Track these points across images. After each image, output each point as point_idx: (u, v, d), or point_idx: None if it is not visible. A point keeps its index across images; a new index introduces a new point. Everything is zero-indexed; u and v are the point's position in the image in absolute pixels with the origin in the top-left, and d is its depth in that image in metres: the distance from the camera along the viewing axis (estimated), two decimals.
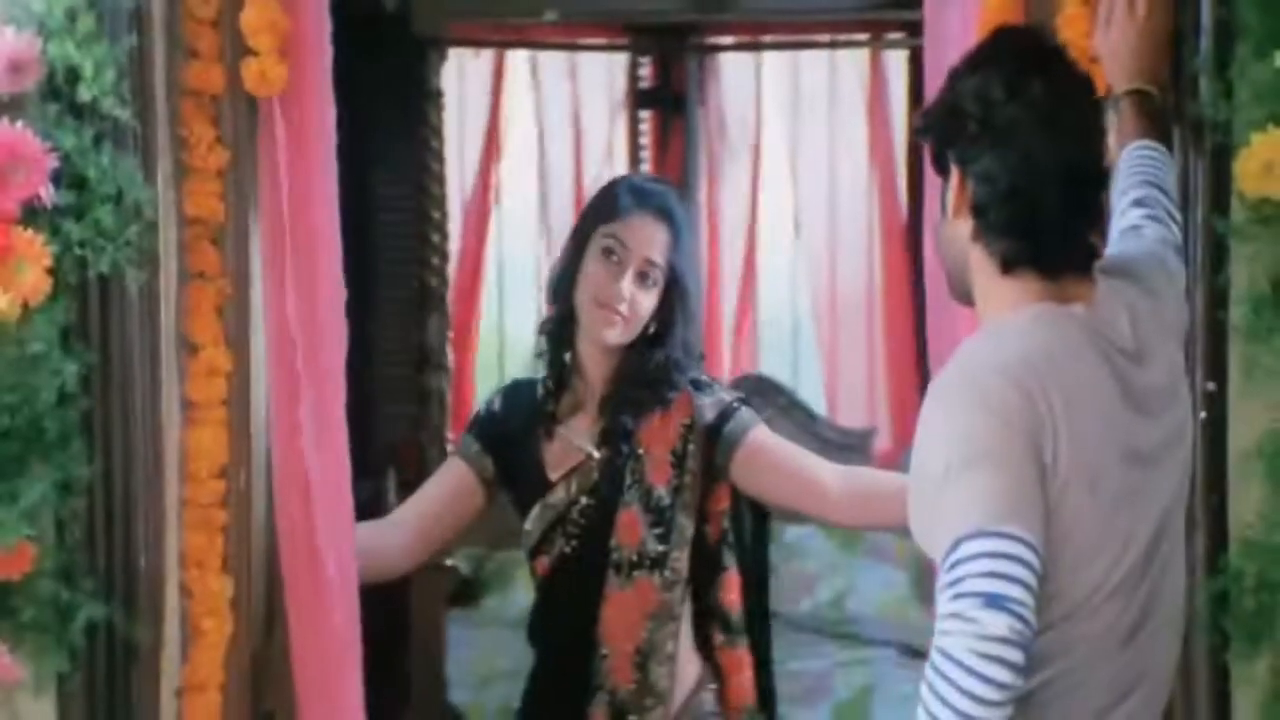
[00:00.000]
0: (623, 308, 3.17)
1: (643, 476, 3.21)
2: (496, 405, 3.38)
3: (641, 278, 3.19)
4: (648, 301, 3.20)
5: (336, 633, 3.09)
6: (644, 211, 3.21)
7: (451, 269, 6.34)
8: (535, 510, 3.25)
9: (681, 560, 3.21)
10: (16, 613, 2.86)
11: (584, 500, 3.23)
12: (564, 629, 3.26)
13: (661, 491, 3.20)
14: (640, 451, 3.21)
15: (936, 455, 2.17)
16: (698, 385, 3.27)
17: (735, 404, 3.25)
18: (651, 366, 3.22)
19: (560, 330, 3.28)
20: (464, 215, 6.78)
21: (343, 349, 3.13)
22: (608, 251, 3.20)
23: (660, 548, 3.19)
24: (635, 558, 3.20)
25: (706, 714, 3.27)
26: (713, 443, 3.22)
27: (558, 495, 3.24)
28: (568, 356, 3.28)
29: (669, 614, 3.21)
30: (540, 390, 3.31)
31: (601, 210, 3.26)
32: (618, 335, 3.20)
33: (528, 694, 3.39)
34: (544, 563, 3.26)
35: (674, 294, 3.22)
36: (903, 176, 6.84)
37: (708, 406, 3.24)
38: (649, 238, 3.20)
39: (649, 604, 3.20)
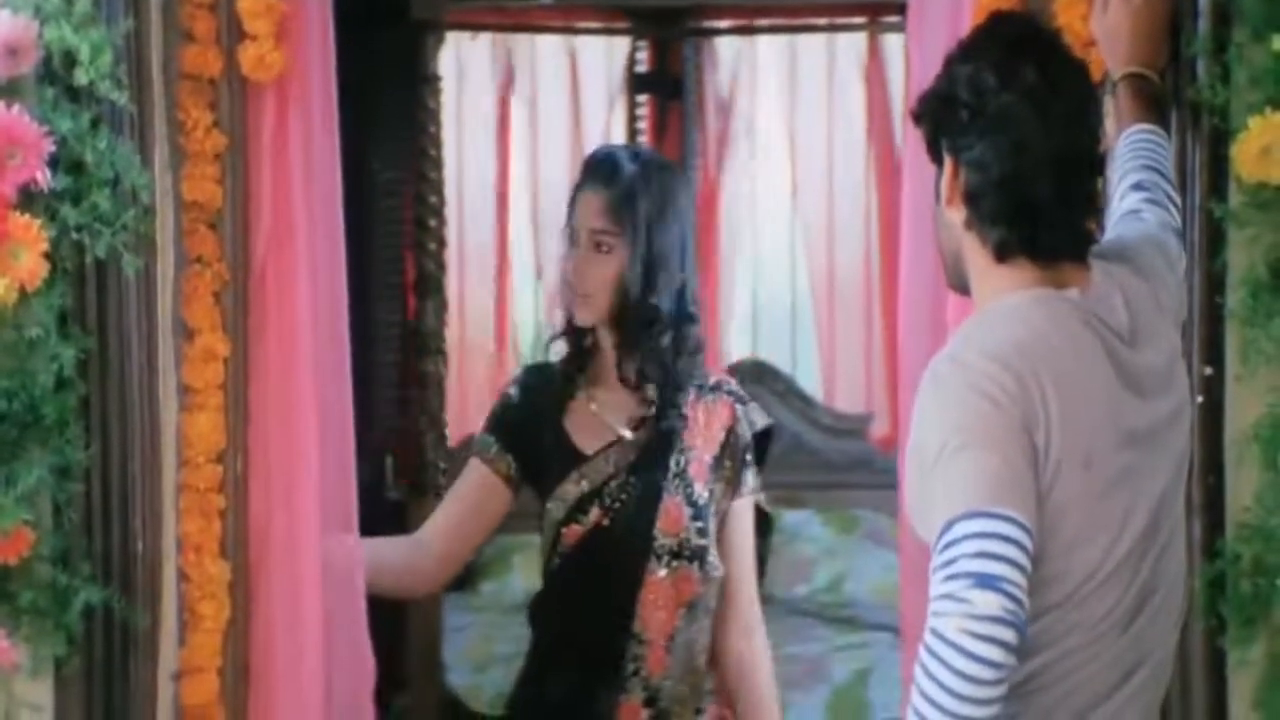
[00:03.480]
0: (580, 286, 3.21)
1: (686, 470, 3.22)
2: (514, 394, 3.38)
3: (595, 247, 3.21)
4: (602, 271, 3.20)
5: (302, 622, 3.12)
6: (587, 185, 3.26)
7: (450, 254, 6.34)
8: (572, 477, 3.24)
9: (719, 558, 3.23)
10: (14, 597, 2.86)
11: (623, 476, 3.23)
12: (587, 605, 3.24)
13: (700, 488, 3.22)
14: (685, 446, 3.23)
15: (930, 438, 2.17)
16: (741, 399, 3.30)
17: (752, 458, 3.28)
18: (629, 329, 3.23)
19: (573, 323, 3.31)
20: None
21: (345, 336, 3.15)
22: (570, 239, 3.24)
23: (701, 542, 3.21)
24: (676, 547, 3.20)
25: (706, 692, 3.29)
26: (739, 468, 3.26)
27: (596, 467, 3.24)
28: (588, 339, 3.30)
29: (705, 608, 3.23)
30: (559, 375, 3.32)
31: (570, 200, 3.31)
32: (586, 314, 3.25)
33: (532, 670, 3.37)
34: (576, 531, 3.23)
35: (634, 251, 3.22)
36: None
37: (746, 426, 3.27)
38: (590, 209, 3.23)
39: (686, 594, 3.21)
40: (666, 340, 3.23)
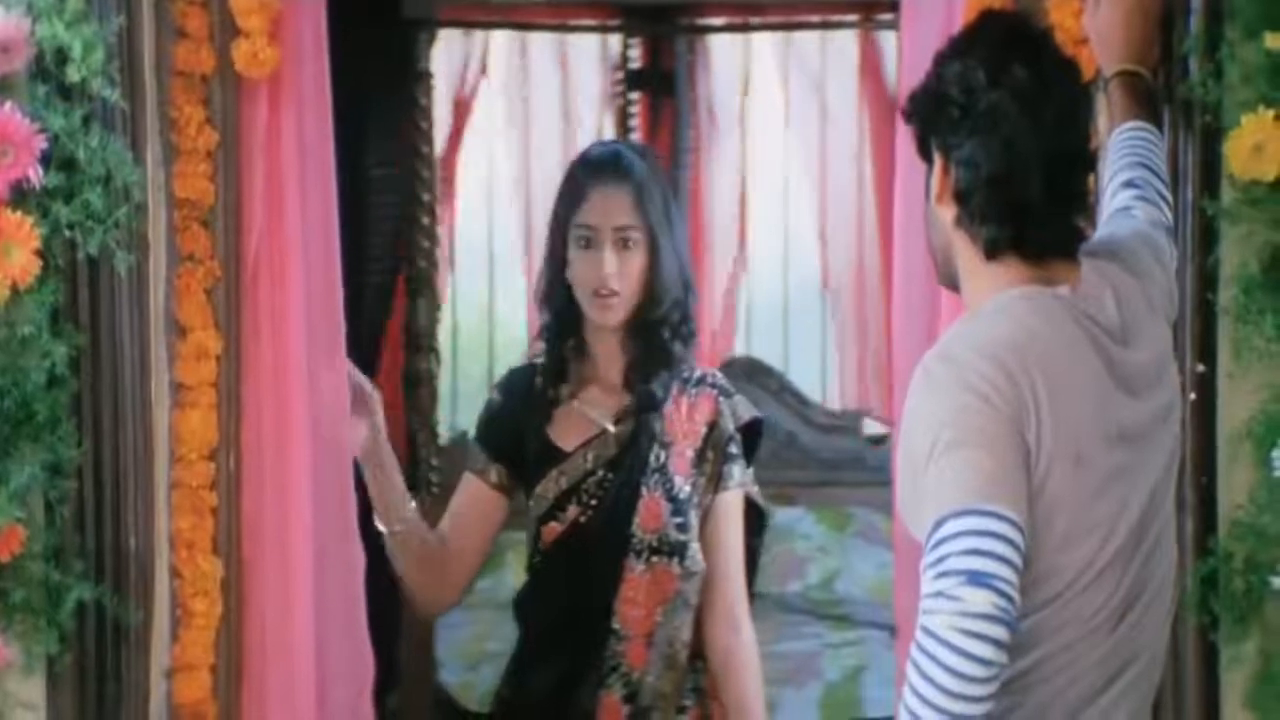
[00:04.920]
0: (613, 286, 3.17)
1: (666, 464, 3.21)
2: (496, 400, 3.37)
3: (621, 244, 3.19)
4: (636, 264, 3.19)
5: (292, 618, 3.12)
6: (601, 184, 3.20)
7: (441, 251, 6.35)
8: (551, 475, 3.24)
9: (700, 552, 3.22)
10: (6, 594, 2.86)
11: (602, 473, 3.22)
12: (568, 602, 3.24)
13: (681, 482, 3.21)
14: (667, 440, 3.22)
15: (921, 436, 2.17)
16: (725, 392, 3.28)
17: (737, 451, 3.25)
18: (649, 324, 3.21)
19: (561, 323, 3.28)
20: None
21: (341, 334, 3.16)
22: (582, 241, 3.20)
23: (681, 537, 3.20)
24: (655, 543, 3.20)
25: (688, 690, 3.29)
26: (721, 462, 3.25)
27: (575, 464, 3.23)
28: (571, 342, 3.28)
29: (685, 602, 3.22)
30: (538, 379, 3.30)
31: (567, 201, 3.25)
32: (616, 315, 3.20)
33: (517, 665, 3.36)
34: (554, 529, 3.24)
35: (648, 243, 3.21)
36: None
37: (730, 420, 3.25)
38: (612, 207, 3.19)
39: (666, 590, 3.20)
40: (684, 332, 3.23)
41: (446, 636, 5.90)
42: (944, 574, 2.06)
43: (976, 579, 2.04)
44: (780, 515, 6.37)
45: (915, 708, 2.06)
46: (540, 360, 3.32)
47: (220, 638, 3.11)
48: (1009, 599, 2.05)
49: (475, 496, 3.32)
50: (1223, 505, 2.86)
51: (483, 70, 6.97)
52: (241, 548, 3.14)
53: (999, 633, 2.03)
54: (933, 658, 2.04)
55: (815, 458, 6.93)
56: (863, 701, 5.65)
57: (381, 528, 3.21)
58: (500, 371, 3.50)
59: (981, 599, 2.03)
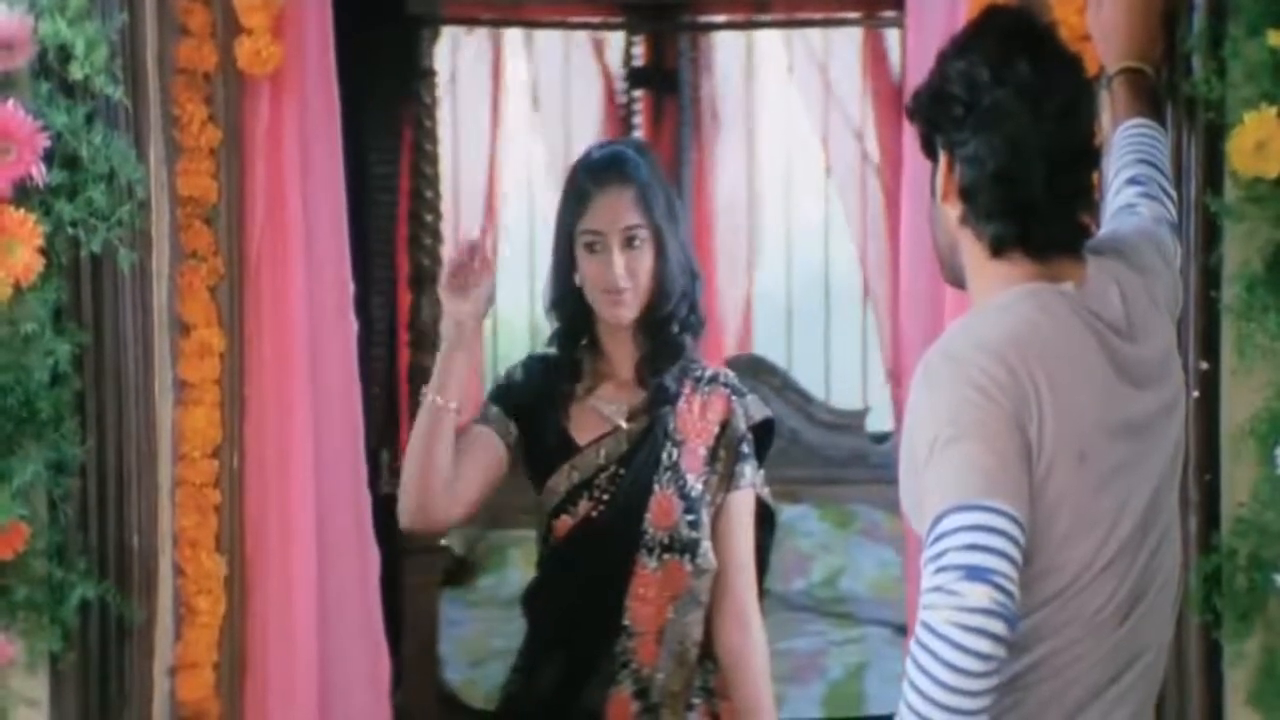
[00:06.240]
0: (623, 285, 3.17)
1: (678, 462, 3.21)
2: (518, 375, 3.36)
3: (628, 243, 3.19)
4: (645, 262, 3.19)
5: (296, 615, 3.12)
6: (604, 188, 3.20)
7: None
8: (563, 469, 3.23)
9: (711, 551, 3.22)
10: (9, 591, 2.86)
11: (614, 468, 3.22)
12: (578, 597, 3.24)
13: (693, 480, 3.21)
14: (679, 438, 3.22)
15: (923, 431, 2.17)
16: (738, 392, 3.28)
17: (749, 451, 3.25)
18: (660, 319, 3.21)
19: (573, 326, 3.27)
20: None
21: (352, 334, 3.15)
22: (590, 245, 3.20)
23: (693, 534, 3.20)
24: (667, 540, 3.19)
25: (697, 689, 3.29)
26: (733, 461, 3.25)
27: (587, 458, 3.23)
28: (584, 342, 3.28)
29: (696, 600, 3.22)
30: (559, 370, 3.30)
31: (571, 207, 3.24)
32: (629, 312, 3.20)
33: (525, 661, 3.36)
34: (566, 523, 3.22)
35: (655, 241, 3.21)
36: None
37: (742, 419, 3.25)
38: (618, 209, 3.18)
39: (678, 587, 3.20)
40: (692, 323, 3.24)
41: (450, 634, 5.90)
42: (943, 569, 2.06)
43: (975, 574, 2.04)
44: (784, 513, 6.34)
45: (914, 703, 2.06)
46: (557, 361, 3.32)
47: (223, 635, 3.11)
48: (1008, 594, 2.04)
49: (482, 442, 3.24)
50: (1226, 502, 2.85)
51: (489, 69, 6.97)
52: (245, 545, 3.15)
53: (997, 627, 2.03)
54: (931, 652, 2.04)
55: (819, 455, 6.93)
56: (866, 699, 5.65)
57: (427, 394, 3.13)
58: (503, 371, 3.48)
59: (980, 594, 2.03)
